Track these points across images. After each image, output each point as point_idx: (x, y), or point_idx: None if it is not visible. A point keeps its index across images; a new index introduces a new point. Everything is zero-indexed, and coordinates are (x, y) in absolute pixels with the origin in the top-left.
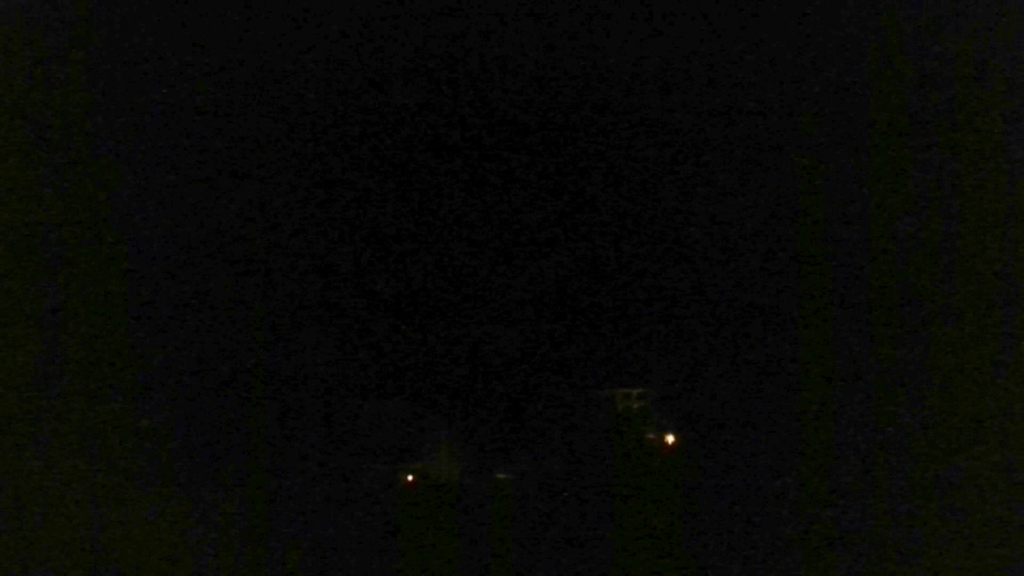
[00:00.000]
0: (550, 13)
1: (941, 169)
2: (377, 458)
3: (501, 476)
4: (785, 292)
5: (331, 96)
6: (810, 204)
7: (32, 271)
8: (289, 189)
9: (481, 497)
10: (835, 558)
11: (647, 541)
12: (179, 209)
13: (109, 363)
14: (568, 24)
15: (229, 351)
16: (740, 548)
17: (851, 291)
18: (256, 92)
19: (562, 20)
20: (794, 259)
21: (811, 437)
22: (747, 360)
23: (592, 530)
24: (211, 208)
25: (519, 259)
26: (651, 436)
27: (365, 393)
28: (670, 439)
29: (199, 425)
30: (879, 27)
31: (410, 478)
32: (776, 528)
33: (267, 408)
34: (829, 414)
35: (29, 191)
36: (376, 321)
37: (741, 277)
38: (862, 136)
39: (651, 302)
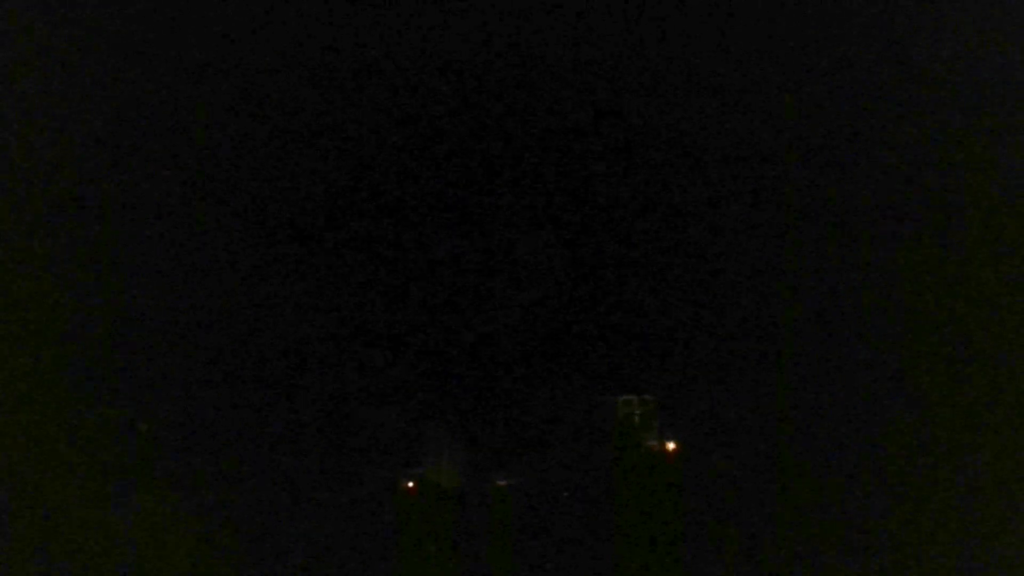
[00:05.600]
0: (554, 15)
1: (940, 172)
2: (378, 464)
3: (502, 482)
4: (786, 301)
5: (331, 99)
6: (810, 214)
7: (33, 275)
8: (291, 194)
9: (481, 503)
10: (833, 560)
11: (647, 547)
12: (181, 212)
13: (111, 367)
14: (572, 25)
15: (231, 356)
16: (739, 553)
17: (851, 300)
18: (255, 94)
19: (565, 22)
20: (795, 269)
21: (809, 443)
22: (747, 368)
23: (592, 536)
24: (213, 212)
25: (522, 268)
26: (652, 443)
27: (367, 400)
28: (671, 446)
29: (201, 429)
30: (877, 29)
31: (411, 484)
32: (775, 533)
33: (269, 413)
34: (828, 421)
35: (30, 194)
36: (378, 328)
37: (742, 287)
38: (862, 143)
39: (653, 311)
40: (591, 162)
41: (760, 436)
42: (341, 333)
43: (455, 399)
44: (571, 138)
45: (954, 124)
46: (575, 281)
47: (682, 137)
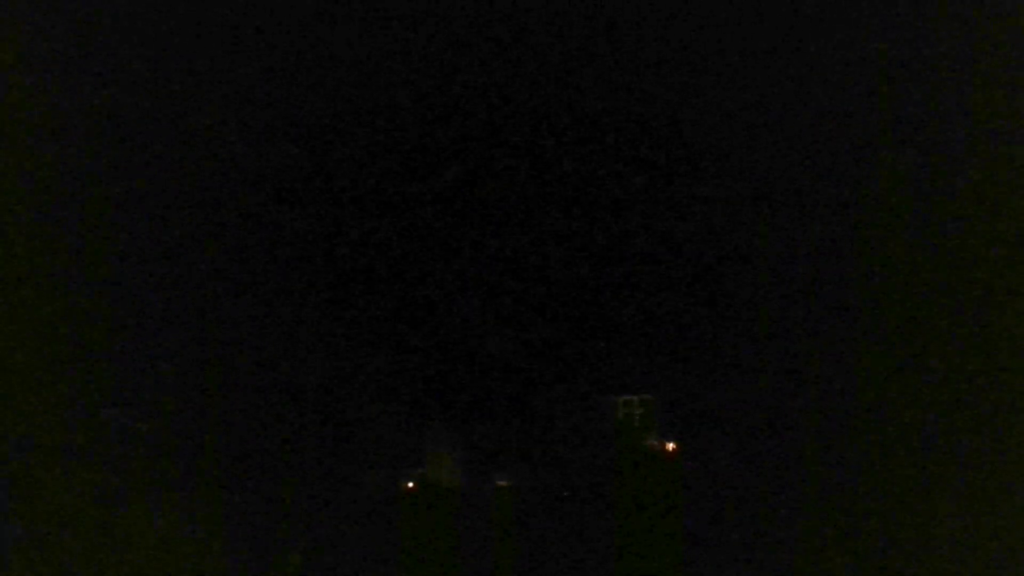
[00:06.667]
0: (554, 17)
1: (940, 174)
2: (378, 464)
3: (502, 482)
4: (786, 300)
5: (330, 101)
6: (809, 213)
7: (35, 275)
8: (291, 195)
9: (482, 503)
10: (834, 559)
11: (647, 547)
12: (181, 213)
13: (111, 368)
14: (572, 29)
15: (231, 357)
16: (739, 553)
17: (850, 298)
18: (257, 96)
19: (565, 25)
20: (794, 268)
21: (810, 442)
22: (747, 367)
23: (593, 536)
24: (214, 213)
25: (522, 268)
26: (652, 443)
27: (367, 400)
28: (671, 446)
29: (201, 430)
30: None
31: (411, 484)
32: (776, 532)
33: (270, 413)
34: (828, 420)
35: (30, 195)
36: (378, 329)
37: (742, 286)
38: (861, 144)
39: (652, 311)
40: (590, 161)
41: (760, 435)
42: (341, 332)
43: (455, 399)
44: (569, 137)
45: (956, 122)
46: (575, 281)
47: (682, 136)
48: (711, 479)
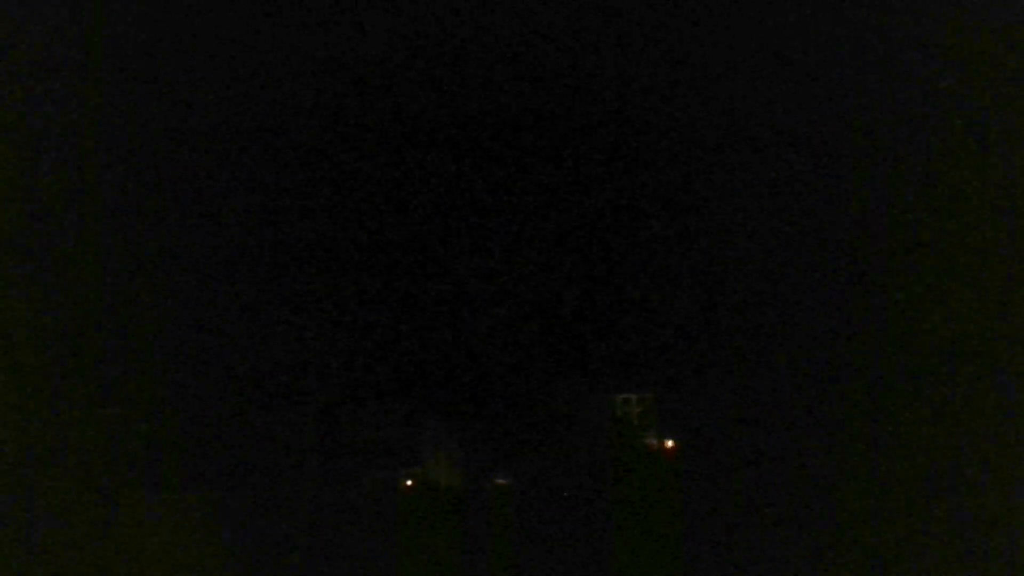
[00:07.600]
0: (555, 14)
1: (939, 173)
2: (377, 463)
3: (501, 481)
4: (785, 298)
5: (329, 99)
6: (808, 212)
7: (34, 275)
8: (289, 194)
9: (481, 502)
10: (834, 558)
11: (646, 545)
12: (181, 213)
13: (110, 367)
14: (571, 27)
15: (229, 356)
16: (738, 551)
17: (849, 297)
18: (257, 95)
19: (565, 22)
20: (793, 266)
21: (809, 441)
22: (747, 366)
23: (591, 534)
24: (212, 212)
25: (520, 267)
26: (651, 441)
27: (366, 399)
28: (669, 444)
29: (200, 430)
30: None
31: (410, 482)
32: (775, 532)
33: (267, 412)
34: (828, 419)
35: (30, 195)
36: (377, 327)
37: (741, 284)
38: (860, 144)
39: (651, 309)
40: (587, 159)
41: (759, 434)
42: (340, 332)
43: (455, 398)
44: (565, 134)
45: (959, 123)
46: (573, 279)
47: (681, 132)
48: (711, 478)
